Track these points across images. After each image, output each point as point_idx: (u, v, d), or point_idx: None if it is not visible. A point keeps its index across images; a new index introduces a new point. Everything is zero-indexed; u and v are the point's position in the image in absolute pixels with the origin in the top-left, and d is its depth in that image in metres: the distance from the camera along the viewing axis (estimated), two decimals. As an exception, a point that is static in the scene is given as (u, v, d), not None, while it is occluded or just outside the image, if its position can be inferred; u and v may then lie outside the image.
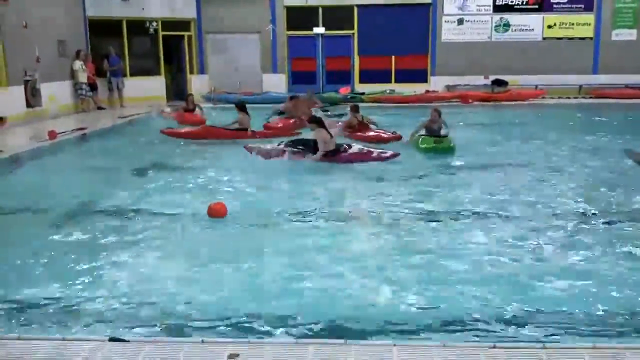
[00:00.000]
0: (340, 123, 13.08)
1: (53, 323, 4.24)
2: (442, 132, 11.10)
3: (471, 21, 21.29)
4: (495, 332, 4.05)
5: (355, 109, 12.59)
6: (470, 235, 6.11)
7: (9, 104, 14.27)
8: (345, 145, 10.19)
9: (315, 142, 9.97)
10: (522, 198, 7.61)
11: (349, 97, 19.97)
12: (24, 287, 4.83)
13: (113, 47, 19.19)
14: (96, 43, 19.30)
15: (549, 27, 21.14)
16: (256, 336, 3.90)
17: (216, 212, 6.54)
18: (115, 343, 3.59)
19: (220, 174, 9.23)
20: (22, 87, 15.15)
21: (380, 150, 10.26)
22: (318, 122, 10.20)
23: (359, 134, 11.91)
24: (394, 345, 3.55)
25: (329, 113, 15.52)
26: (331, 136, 10.05)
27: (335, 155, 9.91)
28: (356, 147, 10.34)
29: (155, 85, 20.33)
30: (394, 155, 9.99)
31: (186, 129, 13.20)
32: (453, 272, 5.10)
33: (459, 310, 4.35)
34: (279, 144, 10.41)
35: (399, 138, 11.44)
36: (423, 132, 11.14)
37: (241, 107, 12.82)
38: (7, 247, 5.93)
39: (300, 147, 10.12)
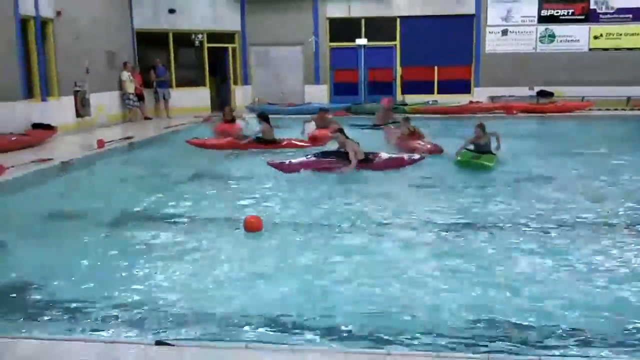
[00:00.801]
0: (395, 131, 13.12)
1: (101, 326, 4.34)
2: (494, 149, 10.62)
3: (515, 32, 21.08)
4: (541, 343, 3.99)
5: (406, 120, 12.81)
6: (511, 246, 6.04)
7: (60, 114, 14.72)
8: (372, 154, 10.27)
9: (343, 152, 10.02)
10: (564, 211, 7.48)
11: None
12: (72, 289, 4.97)
13: (160, 58, 19.62)
14: (143, 54, 19.78)
15: (595, 37, 20.78)
16: (298, 344, 3.92)
17: (252, 226, 6.55)
18: (161, 347, 3.67)
19: (260, 184, 9.28)
20: (73, 97, 15.62)
21: (409, 155, 10.55)
22: (343, 132, 10.37)
23: (405, 143, 11.96)
24: (437, 356, 3.53)
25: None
26: (358, 144, 10.14)
27: (367, 163, 9.97)
28: (384, 154, 10.45)
29: (200, 96, 20.68)
30: (420, 159, 10.41)
31: (211, 139, 13.38)
32: (493, 282, 5.04)
33: (502, 321, 4.30)
34: (307, 156, 10.27)
35: (440, 151, 11.38)
36: (470, 147, 10.66)
37: (264, 117, 12.88)
38: (57, 251, 6.10)
39: (333, 158, 10.05)
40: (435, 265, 5.52)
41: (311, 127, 14.09)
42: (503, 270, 5.36)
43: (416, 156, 10.52)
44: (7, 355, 3.57)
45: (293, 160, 10.12)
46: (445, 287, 4.95)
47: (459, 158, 10.40)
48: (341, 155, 10.03)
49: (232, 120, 14.79)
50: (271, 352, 3.58)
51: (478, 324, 4.29)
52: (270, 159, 10.58)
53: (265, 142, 12.58)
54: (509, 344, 3.99)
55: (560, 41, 20.92)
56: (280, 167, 9.84)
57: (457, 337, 4.10)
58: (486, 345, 3.96)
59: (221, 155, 12.18)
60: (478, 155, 10.29)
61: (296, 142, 12.81)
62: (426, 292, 4.87)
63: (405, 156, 10.51)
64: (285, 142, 12.70)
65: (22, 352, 3.61)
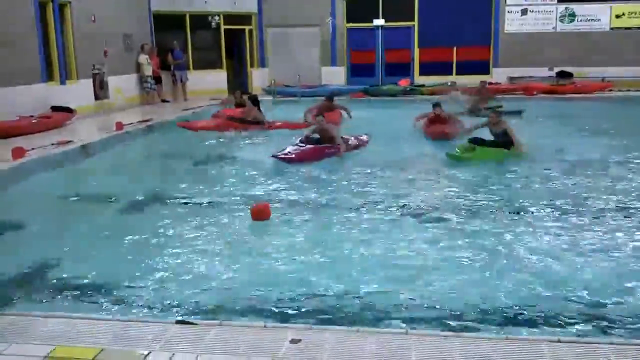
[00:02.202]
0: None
1: (122, 305, 4.40)
2: (516, 141, 9.39)
3: (535, 11, 20.79)
4: (559, 326, 3.98)
5: (437, 104, 12.06)
6: (529, 230, 6.01)
7: (78, 96, 14.80)
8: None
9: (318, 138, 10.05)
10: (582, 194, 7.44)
11: (408, 89, 19.83)
12: (93, 269, 5.02)
13: (177, 41, 19.60)
14: (161, 37, 19.74)
15: (617, 16, 20.43)
16: (318, 323, 3.94)
17: (261, 214, 6.39)
18: (182, 326, 3.71)
19: (266, 169, 9.23)
20: (91, 80, 15.70)
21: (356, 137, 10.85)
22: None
23: (426, 128, 11.77)
24: (456, 336, 3.54)
25: (502, 108, 14.22)
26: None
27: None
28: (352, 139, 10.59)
29: (217, 79, 20.64)
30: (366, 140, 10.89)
31: (201, 122, 13.56)
32: (513, 265, 5.04)
33: (521, 303, 4.29)
34: (298, 144, 9.84)
35: (444, 135, 11.01)
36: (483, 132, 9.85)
37: (253, 100, 13.26)
38: (77, 232, 6.17)
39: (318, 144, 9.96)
40: (447, 246, 5.54)
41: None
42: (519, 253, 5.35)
43: (364, 137, 10.93)
44: (30, 332, 3.63)
45: (291, 150, 9.61)
46: (457, 269, 4.96)
47: (450, 152, 9.41)
48: (320, 142, 9.97)
49: (242, 105, 14.74)
50: (289, 331, 3.60)
51: (495, 306, 4.29)
52: (273, 150, 10.04)
53: (251, 123, 13.03)
54: (526, 324, 4.00)
55: (581, 20, 20.60)
56: (283, 158, 9.41)
57: (474, 318, 4.11)
58: (504, 326, 3.97)
59: (239, 137, 12.26)
60: (472, 147, 9.30)
61: (280, 124, 13.14)
62: (440, 272, 4.89)
63: (353, 139, 10.67)
64: (271, 124, 13.06)
65: (44, 330, 3.67)
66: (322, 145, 9.88)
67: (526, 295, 4.43)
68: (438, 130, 11.29)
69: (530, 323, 4.03)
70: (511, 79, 20.66)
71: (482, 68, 21.24)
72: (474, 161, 9.09)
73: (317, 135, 10.17)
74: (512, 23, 20.88)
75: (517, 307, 4.24)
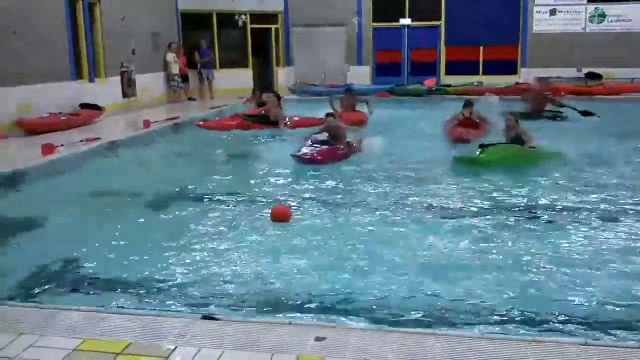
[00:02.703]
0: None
1: (147, 299, 4.45)
2: (530, 144, 9.02)
3: (564, 11, 20.52)
4: (586, 329, 3.94)
5: (467, 104, 11.72)
6: (555, 231, 5.94)
7: (107, 94, 15.00)
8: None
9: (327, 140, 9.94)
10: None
11: (434, 89, 19.70)
12: (121, 264, 5.10)
13: (204, 39, 19.73)
14: (188, 35, 19.91)
15: (649, 16, 20.08)
16: (342, 321, 3.94)
17: (280, 217, 6.34)
18: (207, 321, 3.74)
19: (288, 168, 9.24)
20: (119, 78, 15.89)
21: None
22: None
23: (452, 131, 11.32)
24: (481, 337, 3.51)
25: (561, 112, 14.06)
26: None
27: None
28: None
29: (243, 77, 20.74)
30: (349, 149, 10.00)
31: (219, 121, 13.59)
32: (539, 266, 4.99)
33: (548, 306, 4.25)
34: (311, 143, 9.81)
35: (464, 141, 10.63)
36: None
37: (277, 97, 13.36)
38: (104, 227, 6.24)
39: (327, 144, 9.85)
40: (471, 246, 5.51)
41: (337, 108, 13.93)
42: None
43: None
44: (55, 325, 3.69)
45: (308, 151, 9.50)
46: (482, 270, 4.92)
47: (458, 155, 9.14)
48: (329, 143, 9.86)
49: (263, 104, 14.74)
50: (314, 328, 3.61)
51: (521, 308, 4.25)
52: (292, 150, 9.90)
53: (271, 123, 12.95)
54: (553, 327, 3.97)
55: (611, 21, 20.29)
56: (304, 159, 9.31)
57: (500, 319, 4.09)
58: (530, 328, 3.94)
59: (263, 136, 12.31)
60: (482, 150, 8.89)
61: (299, 120, 13.11)
62: (464, 272, 4.86)
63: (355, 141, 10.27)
64: (288, 122, 12.95)
65: (69, 323, 3.71)
66: (336, 147, 9.77)
67: (553, 298, 4.38)
68: (457, 135, 11.00)
69: (557, 326, 3.99)
70: (539, 79, 20.37)
71: (510, 68, 21.06)
72: (483, 161, 8.72)
73: (325, 135, 10.10)
74: (541, 23, 20.64)
75: (544, 309, 4.20)
